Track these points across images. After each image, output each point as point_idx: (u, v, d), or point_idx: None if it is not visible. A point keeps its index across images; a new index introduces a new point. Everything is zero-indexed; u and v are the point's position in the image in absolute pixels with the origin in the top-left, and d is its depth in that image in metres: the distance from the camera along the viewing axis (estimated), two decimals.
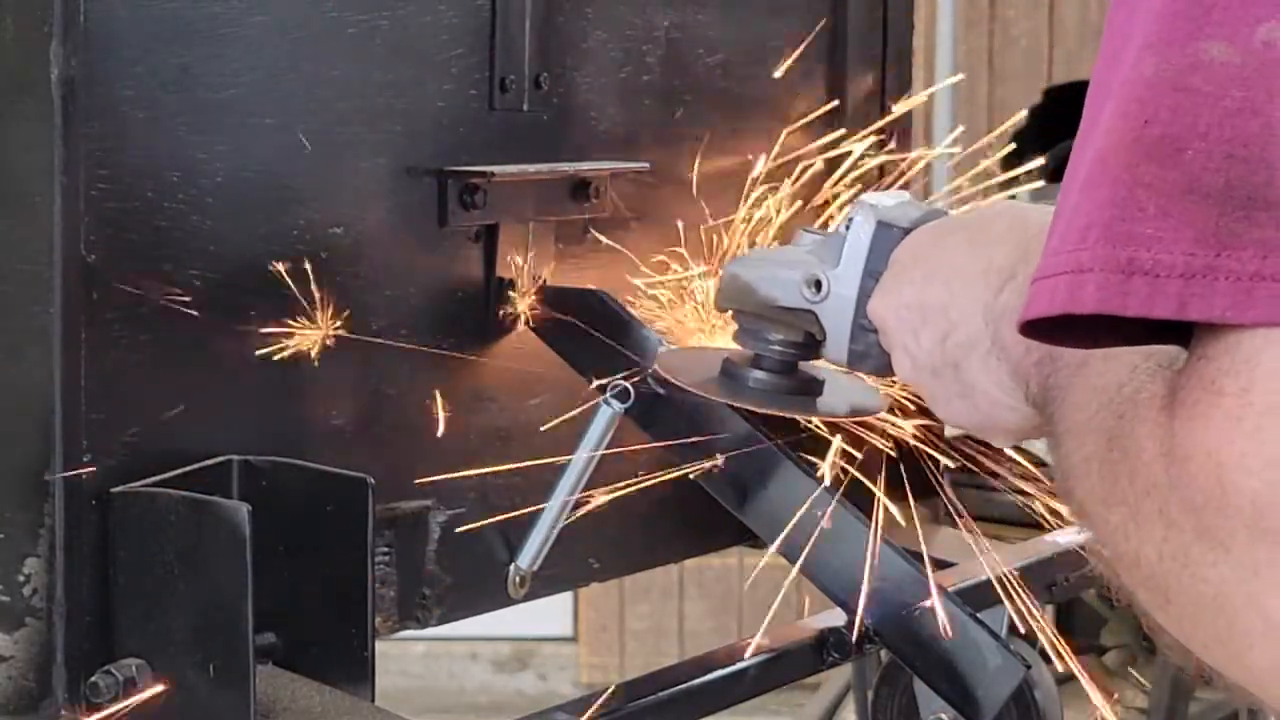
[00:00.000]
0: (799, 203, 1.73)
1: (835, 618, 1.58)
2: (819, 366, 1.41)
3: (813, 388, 1.41)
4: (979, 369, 1.18)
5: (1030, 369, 1.09)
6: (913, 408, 1.57)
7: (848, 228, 1.30)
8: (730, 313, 1.42)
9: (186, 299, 1.37)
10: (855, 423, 1.55)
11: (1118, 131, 0.81)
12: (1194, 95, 0.79)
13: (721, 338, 1.57)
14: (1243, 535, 0.77)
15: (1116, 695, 4.09)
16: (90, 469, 1.30)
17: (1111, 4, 0.86)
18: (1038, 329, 0.83)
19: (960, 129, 1.95)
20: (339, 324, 1.44)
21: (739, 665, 1.58)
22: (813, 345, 1.36)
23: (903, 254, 1.27)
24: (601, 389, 1.53)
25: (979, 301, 1.18)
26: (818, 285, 1.30)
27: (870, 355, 1.30)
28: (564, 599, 5.33)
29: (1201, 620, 0.81)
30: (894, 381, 1.49)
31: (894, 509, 1.58)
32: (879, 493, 1.55)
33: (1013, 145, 4.65)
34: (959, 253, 1.21)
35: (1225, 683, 0.83)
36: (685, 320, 1.62)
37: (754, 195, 1.70)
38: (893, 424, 1.58)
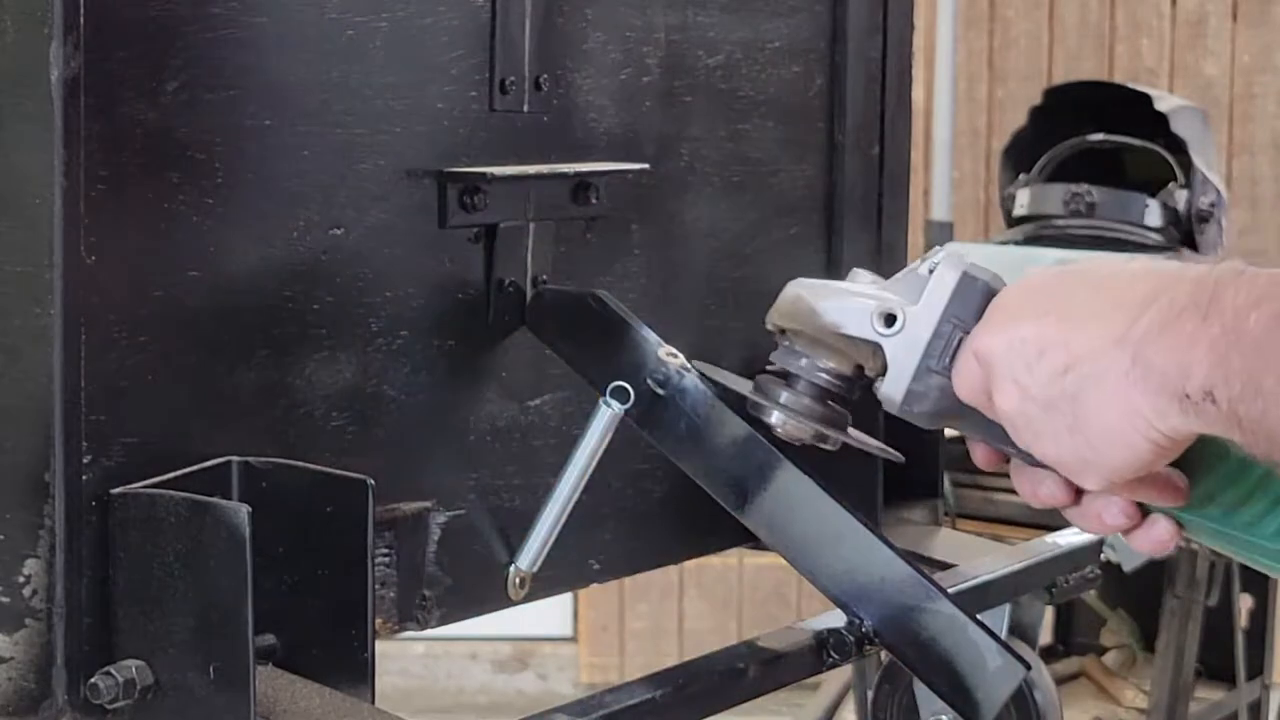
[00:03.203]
0: None
1: (835, 619, 1.58)
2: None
3: (841, 420, 1.40)
4: (1107, 397, 1.16)
5: (1205, 374, 1.09)
6: None
7: (930, 271, 1.29)
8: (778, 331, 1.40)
9: (186, 300, 1.37)
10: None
11: None
12: None
13: None
14: None
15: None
16: (90, 470, 1.30)
17: None
18: None
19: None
20: None
21: (738, 666, 1.58)
22: (858, 381, 1.35)
23: (1010, 296, 1.25)
24: (601, 390, 1.54)
25: (1108, 334, 1.16)
26: (890, 319, 1.29)
27: (928, 396, 1.28)
28: (564, 599, 5.33)
29: None
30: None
31: None
32: None
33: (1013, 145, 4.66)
34: (1081, 293, 1.19)
35: None
36: None
37: None
38: None
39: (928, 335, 1.28)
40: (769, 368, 1.40)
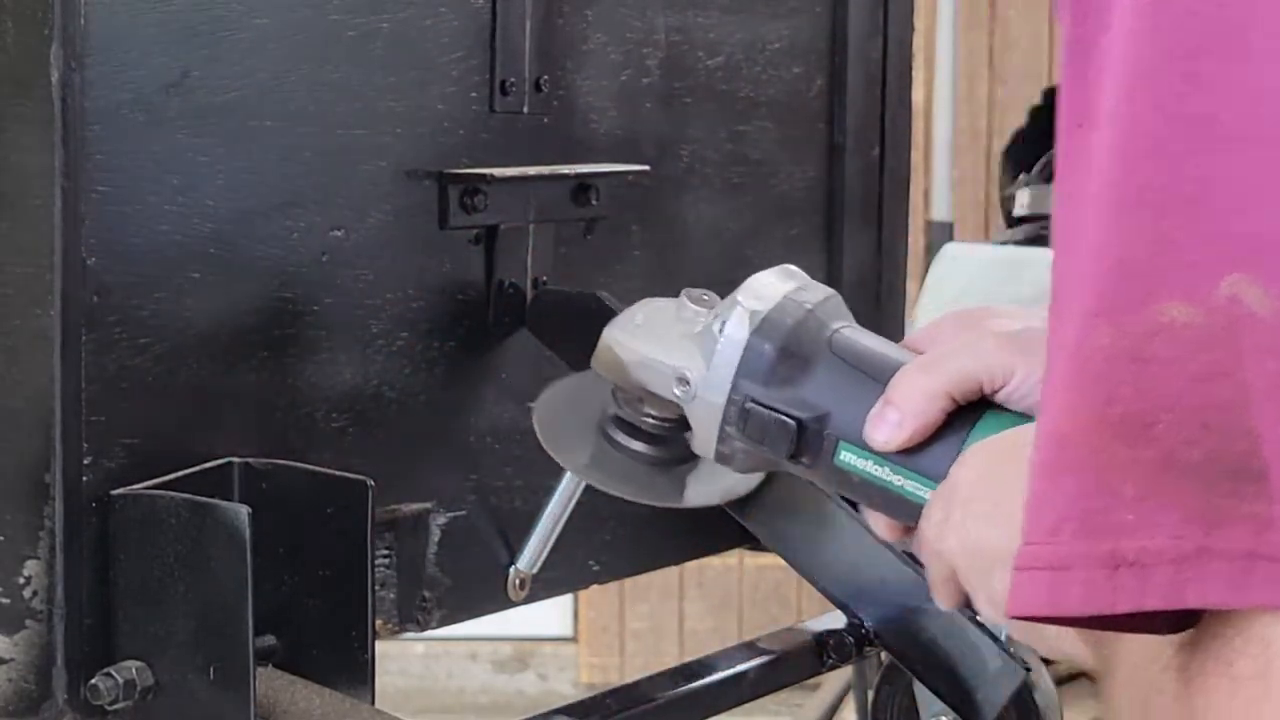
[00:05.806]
0: None
1: (835, 620, 1.58)
2: None
3: (683, 453, 1.35)
4: None
5: None
6: None
7: (721, 329, 1.24)
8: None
9: (187, 301, 1.37)
10: None
11: (1077, 411, 0.76)
12: (1156, 364, 0.74)
13: None
14: None
15: None
16: (90, 471, 1.31)
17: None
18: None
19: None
20: None
21: (739, 668, 1.58)
22: (687, 425, 1.31)
23: (966, 475, 1.16)
24: None
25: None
26: (687, 381, 1.26)
27: (735, 457, 1.26)
28: (564, 599, 5.33)
29: None
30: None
31: None
32: None
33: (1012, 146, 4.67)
34: (1017, 490, 1.15)
35: None
36: None
37: None
38: None
39: (722, 402, 1.24)
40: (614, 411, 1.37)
